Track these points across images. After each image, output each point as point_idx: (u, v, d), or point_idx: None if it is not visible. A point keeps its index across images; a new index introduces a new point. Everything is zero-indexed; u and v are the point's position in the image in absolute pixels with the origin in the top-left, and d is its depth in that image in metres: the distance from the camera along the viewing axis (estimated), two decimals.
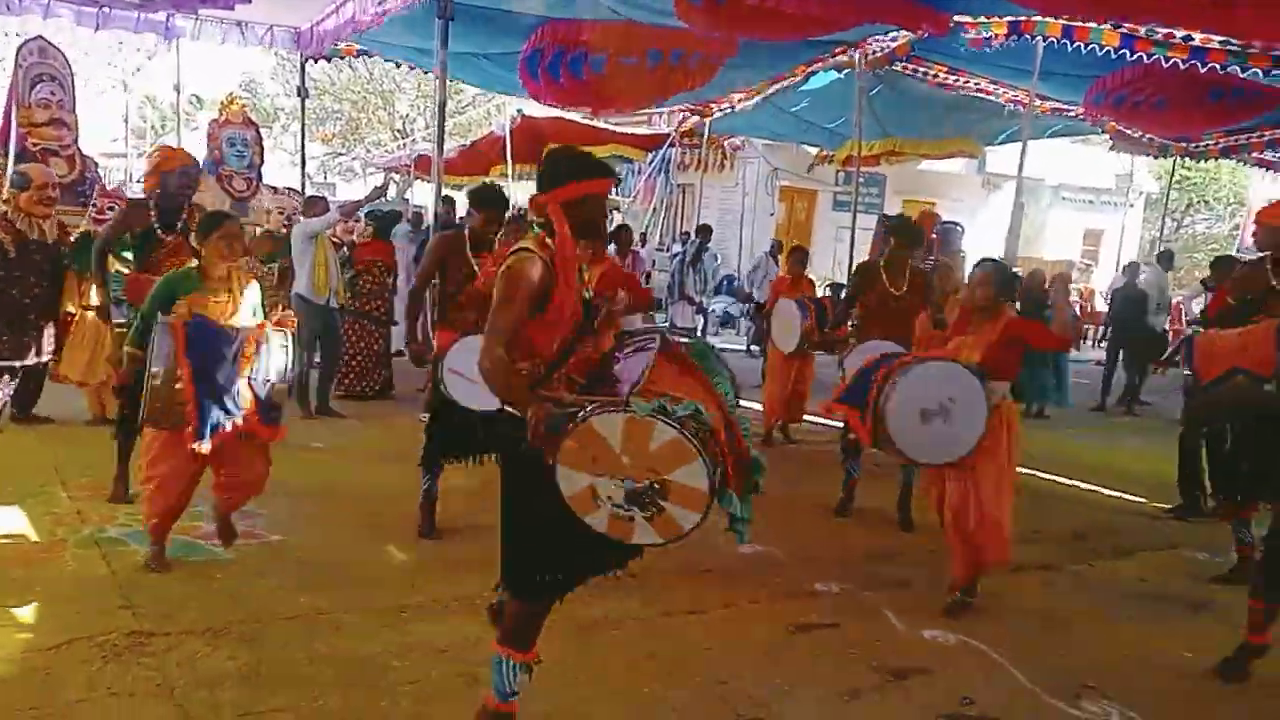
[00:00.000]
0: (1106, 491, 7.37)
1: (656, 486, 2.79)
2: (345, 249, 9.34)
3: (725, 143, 16.57)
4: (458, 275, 5.00)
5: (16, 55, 7.97)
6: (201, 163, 10.05)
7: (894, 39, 8.84)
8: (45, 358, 6.71)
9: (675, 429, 2.75)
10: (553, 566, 3.01)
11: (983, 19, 7.69)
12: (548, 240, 2.97)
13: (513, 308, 2.89)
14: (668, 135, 14.32)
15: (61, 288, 6.46)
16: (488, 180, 10.50)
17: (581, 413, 2.78)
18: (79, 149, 7.85)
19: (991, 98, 10.45)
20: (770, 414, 8.25)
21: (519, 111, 14.17)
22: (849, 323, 6.56)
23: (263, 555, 4.74)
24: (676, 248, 15.76)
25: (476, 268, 4.93)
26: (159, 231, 5.30)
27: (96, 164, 8.92)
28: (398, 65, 10.58)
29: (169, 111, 25.69)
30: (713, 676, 3.79)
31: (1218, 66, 7.31)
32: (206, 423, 4.08)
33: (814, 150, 15.19)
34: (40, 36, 8.19)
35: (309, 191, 11.34)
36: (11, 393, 6.62)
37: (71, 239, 6.88)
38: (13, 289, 6.37)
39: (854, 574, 5.10)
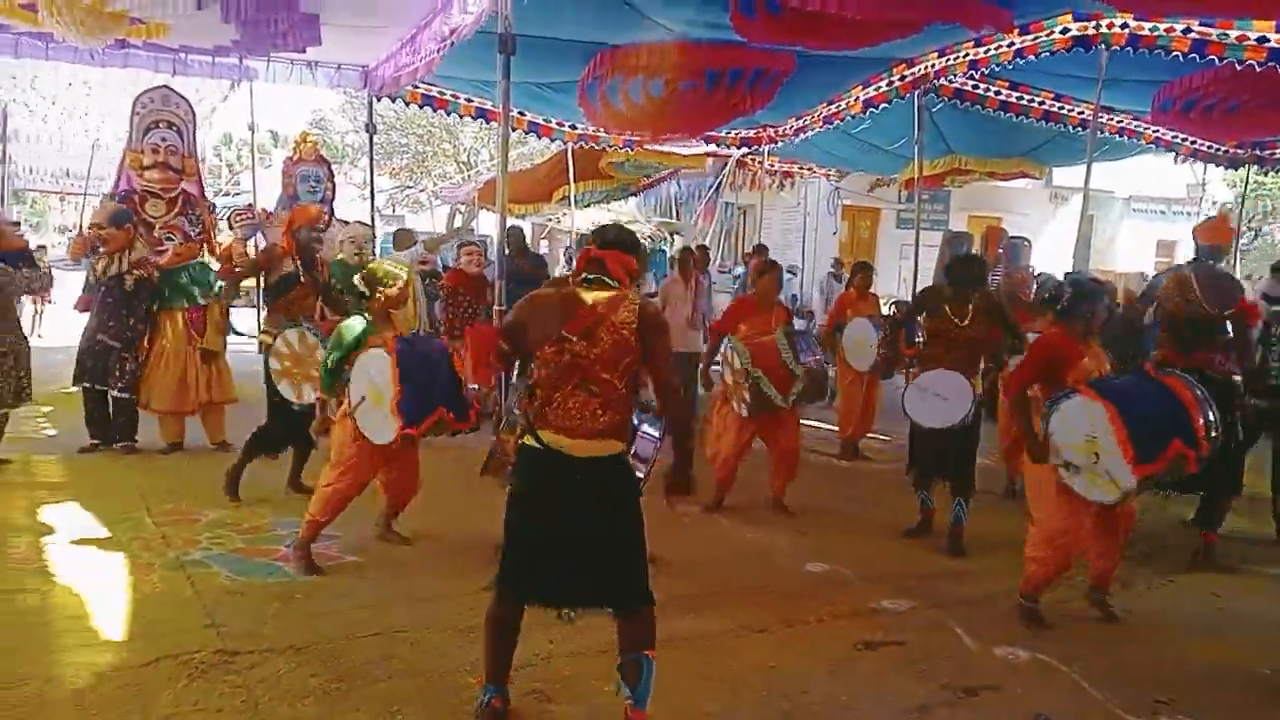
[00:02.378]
0: (1183, 505, 7.13)
1: None
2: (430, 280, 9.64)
3: (785, 166, 16.56)
4: None
5: (134, 104, 8.34)
6: (277, 200, 10.46)
7: (954, 57, 8.74)
8: (119, 391, 7.14)
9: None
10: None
11: (1043, 35, 7.58)
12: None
13: None
14: (727, 157, 14.38)
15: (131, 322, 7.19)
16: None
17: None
18: (188, 192, 8.11)
19: (1057, 125, 10.27)
20: (845, 429, 8.43)
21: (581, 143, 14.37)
22: (917, 343, 6.56)
23: (341, 576, 4.88)
24: (738, 270, 15.80)
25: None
26: (300, 276, 6.27)
27: (214, 206, 9.06)
28: (460, 115, 10.75)
29: (244, 150, 26.56)
30: (777, 694, 3.81)
31: None
32: (413, 414, 4.66)
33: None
34: (165, 86, 8.51)
35: (378, 224, 11.65)
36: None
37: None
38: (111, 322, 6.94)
39: (922, 591, 5.07)
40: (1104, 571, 4.76)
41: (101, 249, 7.07)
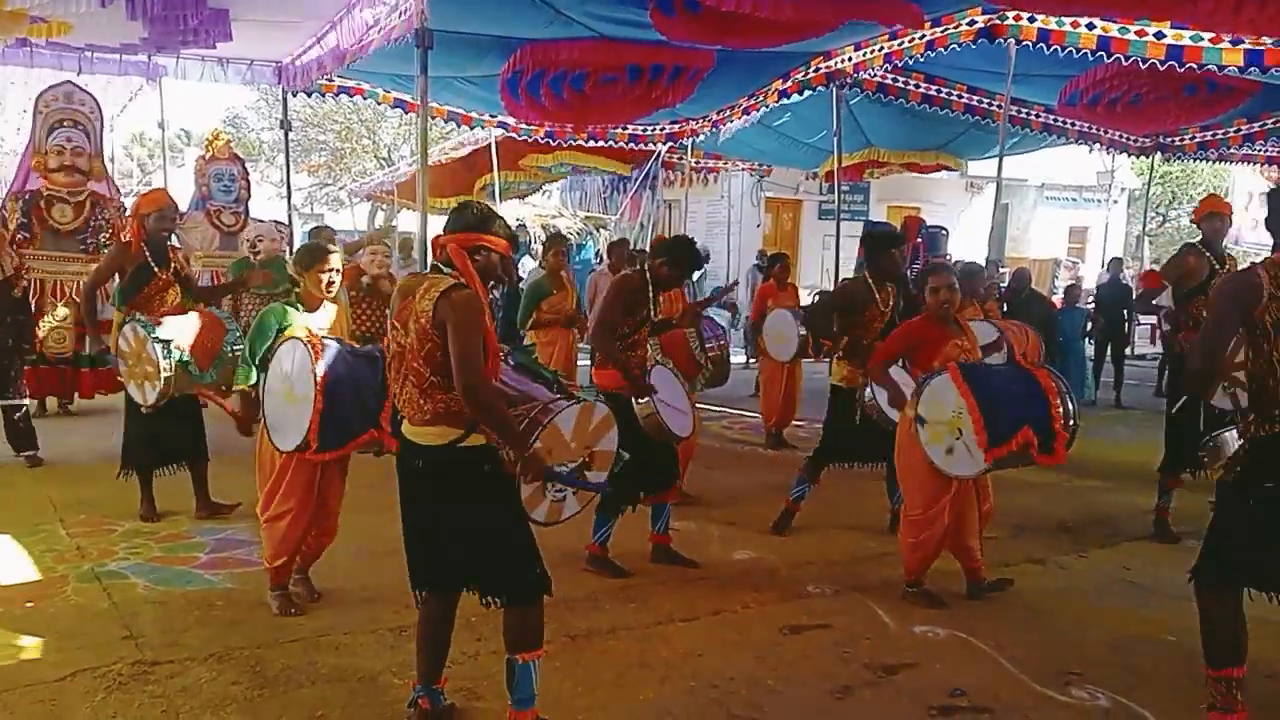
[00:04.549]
0: (1093, 483, 7.43)
1: (587, 460, 3.30)
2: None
3: (710, 162, 16.69)
4: (637, 317, 5.04)
5: (37, 101, 7.97)
6: (189, 199, 10.20)
7: (869, 51, 8.88)
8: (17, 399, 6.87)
9: (606, 405, 3.43)
10: (538, 559, 3.28)
11: (951, 28, 7.75)
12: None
13: (479, 338, 3.07)
14: (652, 152, 14.42)
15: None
16: (468, 201, 10.47)
17: (543, 418, 3.19)
18: (96, 193, 7.75)
19: (980, 118, 10.47)
20: (769, 419, 8.56)
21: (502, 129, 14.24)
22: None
23: (261, 582, 4.77)
24: None
25: (654, 312, 5.15)
26: (154, 268, 5.69)
27: (123, 207, 8.71)
28: (378, 102, 10.62)
29: (156, 149, 25.83)
30: (706, 680, 3.85)
31: (1195, 66, 7.33)
32: (331, 436, 4.07)
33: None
34: (69, 82, 8.10)
35: (295, 222, 11.43)
36: None
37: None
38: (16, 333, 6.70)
39: (846, 575, 5.18)
40: (971, 569, 4.88)
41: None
